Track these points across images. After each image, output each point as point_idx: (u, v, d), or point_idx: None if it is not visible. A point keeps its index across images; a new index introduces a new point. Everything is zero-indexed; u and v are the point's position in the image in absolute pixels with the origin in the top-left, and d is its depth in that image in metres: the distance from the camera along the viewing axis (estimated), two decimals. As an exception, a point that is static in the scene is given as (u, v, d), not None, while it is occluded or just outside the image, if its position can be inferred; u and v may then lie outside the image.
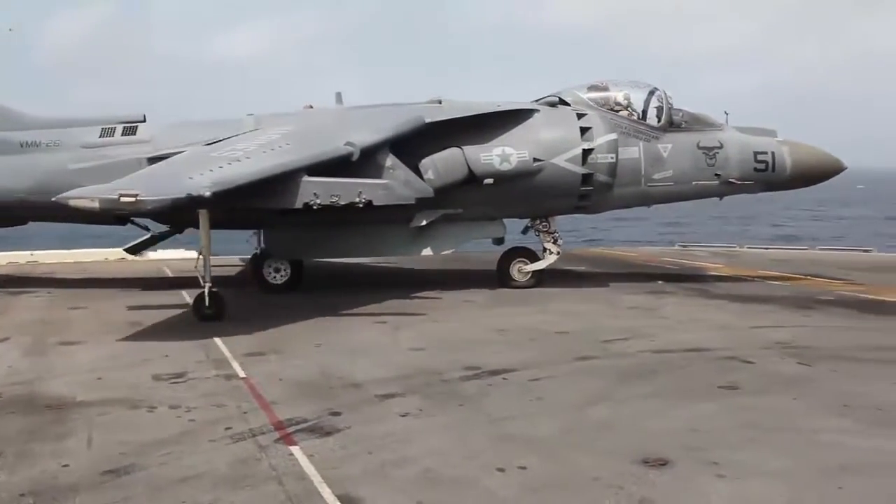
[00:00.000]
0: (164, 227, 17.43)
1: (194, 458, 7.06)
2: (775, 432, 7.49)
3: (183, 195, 11.60)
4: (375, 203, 13.92)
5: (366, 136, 14.77)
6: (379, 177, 14.47)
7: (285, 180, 13.34)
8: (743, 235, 26.42)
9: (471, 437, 7.52)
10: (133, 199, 11.08)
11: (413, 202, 14.91)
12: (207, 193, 11.69)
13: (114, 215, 14.63)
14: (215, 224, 14.19)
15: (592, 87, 17.27)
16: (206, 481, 6.56)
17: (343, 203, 13.63)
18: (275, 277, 16.87)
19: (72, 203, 11.46)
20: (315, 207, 13.49)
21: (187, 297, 16.49)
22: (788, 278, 18.34)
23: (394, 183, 14.51)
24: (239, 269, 20.29)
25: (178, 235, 17.70)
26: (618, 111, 16.92)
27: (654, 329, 12.65)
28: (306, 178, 13.50)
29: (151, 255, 25.63)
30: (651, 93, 17.12)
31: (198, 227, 15.97)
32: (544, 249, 17.23)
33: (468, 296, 15.83)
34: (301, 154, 13.96)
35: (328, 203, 13.56)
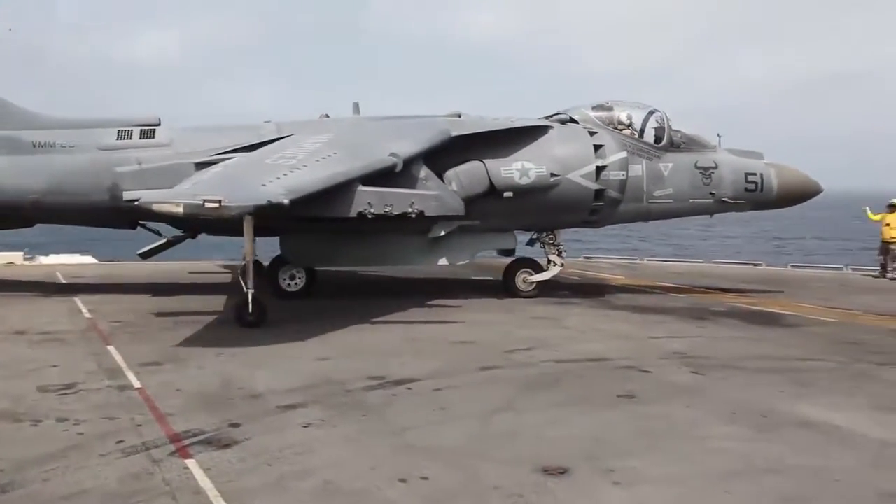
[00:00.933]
0: (176, 232, 17.23)
1: (81, 473, 6.73)
2: (669, 439, 7.74)
3: (264, 202, 11.60)
4: (427, 214, 14.41)
5: (406, 146, 15.07)
6: (414, 188, 14.77)
7: (345, 189, 13.54)
8: (642, 250, 27.35)
9: (373, 448, 7.46)
10: (217, 205, 11.06)
11: (462, 213, 15.39)
12: (285, 201, 11.74)
13: (171, 219, 14.47)
14: (230, 231, 14.66)
15: (598, 107, 17.93)
16: (93, 498, 6.27)
17: (396, 213, 13.94)
18: (290, 285, 16.92)
19: (155, 208, 11.45)
20: (369, 217, 13.72)
21: (80, 303, 15.85)
22: (685, 290, 19.07)
23: (444, 194, 15.13)
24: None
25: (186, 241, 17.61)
26: (621, 130, 17.52)
27: (557, 339, 12.90)
28: (361, 188, 13.72)
29: (43, 259, 24.60)
30: (651, 113, 17.78)
31: (212, 234, 17.14)
32: (549, 261, 17.84)
33: (382, 305, 15.72)
34: (355, 164, 14.10)
35: (381, 213, 13.80)
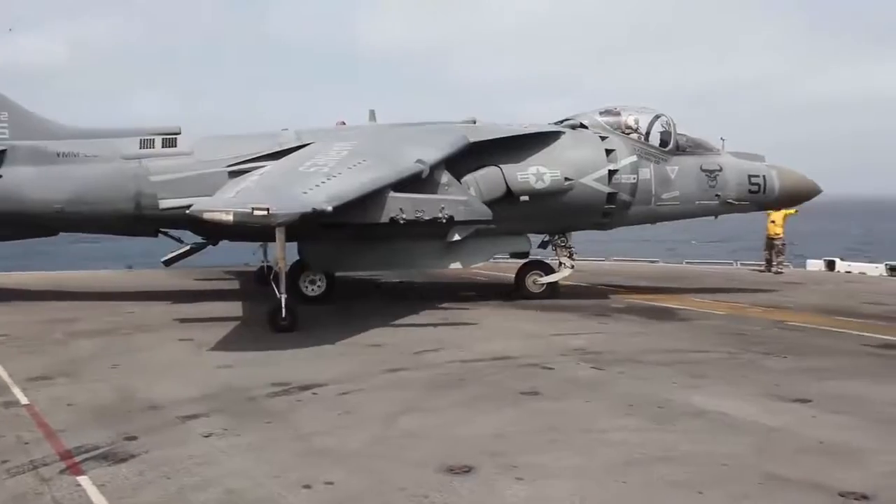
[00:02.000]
0: (198, 239, 17.31)
1: (-38, 496, 6.37)
2: (570, 433, 7.94)
3: (309, 209, 11.94)
4: (457, 219, 14.63)
5: (431, 153, 15.27)
6: (437, 193, 14.99)
7: (377, 196, 13.80)
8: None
9: (277, 455, 7.35)
10: (265, 213, 11.34)
11: (489, 218, 15.39)
12: (329, 208, 12.09)
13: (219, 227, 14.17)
14: (253, 238, 15.45)
15: (606, 112, 18.24)
16: (-24, 521, 5.94)
17: (427, 218, 14.22)
18: (311, 290, 17.08)
19: (206, 216, 11.73)
20: (401, 222, 14.01)
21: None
22: (588, 287, 19.61)
23: (472, 199, 15.32)
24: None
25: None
26: (628, 134, 17.85)
27: (465, 339, 13.06)
28: (394, 194, 14.00)
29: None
30: (657, 118, 18.18)
31: (233, 240, 17.30)
32: (560, 263, 18.14)
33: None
34: (386, 171, 14.33)
35: (413, 218, 14.10)
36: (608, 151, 17.32)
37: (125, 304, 17.26)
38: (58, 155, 16.66)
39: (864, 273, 24.67)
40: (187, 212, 12.49)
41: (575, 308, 16.54)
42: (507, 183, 16.57)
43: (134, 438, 7.75)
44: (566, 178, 16.85)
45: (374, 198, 13.80)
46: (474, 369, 10.88)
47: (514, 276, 18.48)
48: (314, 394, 9.52)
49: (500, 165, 16.68)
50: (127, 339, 13.02)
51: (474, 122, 17.81)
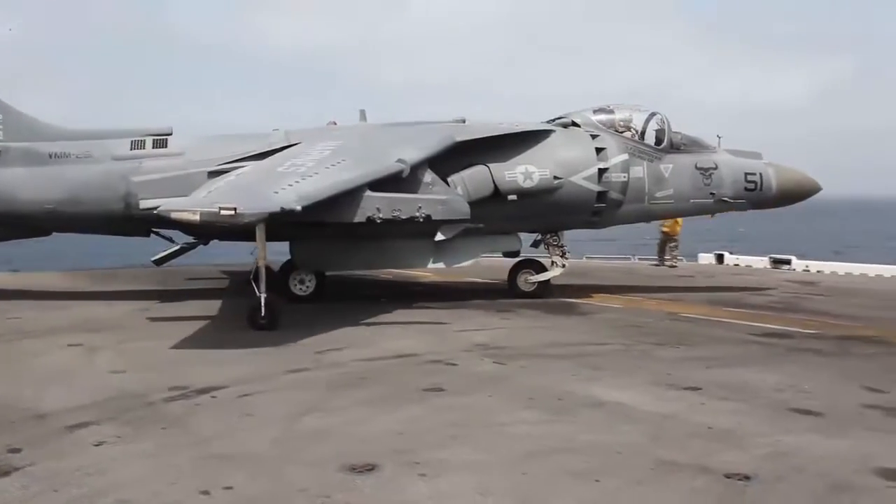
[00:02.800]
0: (189, 239, 17.26)
1: None
2: (472, 428, 8.04)
3: (277, 209, 11.89)
4: (434, 218, 14.46)
5: (413, 152, 15.08)
6: (421, 193, 14.86)
7: (353, 195, 13.70)
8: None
9: (174, 461, 7.13)
10: (232, 213, 11.31)
11: (468, 217, 15.16)
12: (298, 207, 11.99)
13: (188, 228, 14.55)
14: (242, 237, 15.13)
15: (599, 110, 17.94)
16: None
17: (404, 217, 14.09)
18: (301, 289, 17.00)
19: (174, 216, 11.74)
20: (378, 221, 13.87)
21: None
22: (492, 283, 19.86)
23: (451, 198, 15.07)
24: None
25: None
26: (622, 132, 17.61)
27: (369, 338, 13.00)
28: (370, 193, 13.87)
29: None
30: (651, 116, 17.91)
31: (223, 240, 17.10)
32: (552, 262, 17.87)
33: (186, 310, 15.06)
34: (363, 169, 14.23)
35: (390, 217, 13.98)
36: (598, 150, 17.14)
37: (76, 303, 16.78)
38: (50, 156, 16.75)
39: (750, 266, 25.99)
40: (155, 212, 12.44)
41: (478, 304, 16.74)
42: (494, 182, 16.43)
43: (18, 451, 7.34)
44: (555, 177, 16.69)
45: (349, 197, 13.75)
46: (378, 368, 10.86)
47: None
48: (213, 397, 9.28)
49: (488, 164, 16.56)
50: (9, 346, 12.32)
51: (463, 122, 17.68)
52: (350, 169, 14.26)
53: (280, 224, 13.06)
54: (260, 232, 13.05)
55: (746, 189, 17.96)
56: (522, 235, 18.20)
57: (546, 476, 6.66)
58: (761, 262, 26.05)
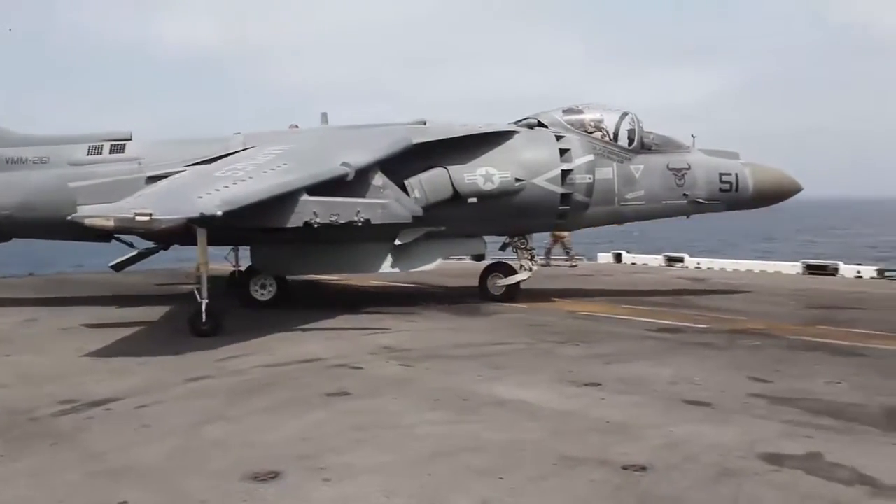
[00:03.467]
0: (149, 244, 17.26)
1: None
2: (378, 431, 8.02)
3: (196, 214, 11.68)
4: (373, 222, 13.99)
5: (360, 156, 14.79)
6: (371, 196, 14.57)
7: (287, 199, 13.35)
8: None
9: (64, 479, 6.80)
10: (147, 219, 11.10)
11: (410, 220, 14.86)
12: (219, 213, 11.78)
13: (108, 233, 14.29)
14: (191, 241, 14.33)
15: (568, 111, 17.58)
16: None
17: (342, 222, 13.67)
18: (261, 294, 16.91)
19: (87, 222, 11.54)
20: (315, 226, 13.50)
21: None
22: (397, 285, 19.88)
23: (391, 202, 14.56)
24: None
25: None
26: (592, 133, 17.26)
27: (272, 342, 12.79)
28: (306, 198, 13.51)
29: None
30: (623, 116, 17.59)
31: (184, 245, 16.22)
32: (520, 266, 17.46)
33: (72, 319, 14.39)
34: (301, 173, 13.92)
35: (327, 221, 13.58)
36: (563, 151, 16.88)
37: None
38: (7, 161, 16.78)
39: (646, 264, 26.98)
40: (68, 218, 12.17)
41: (384, 307, 16.71)
42: (453, 184, 16.20)
43: None
44: (517, 179, 16.45)
45: (285, 201, 13.46)
46: (282, 373, 10.69)
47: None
48: (107, 409, 8.92)
49: (447, 167, 16.31)
50: None
51: (424, 123, 17.33)
52: (289, 173, 14.03)
53: (225, 229, 13.07)
54: (201, 237, 12.91)
55: (721, 190, 17.67)
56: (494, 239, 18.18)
57: (451, 475, 6.71)
58: (656, 260, 27.08)
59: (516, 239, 17.76)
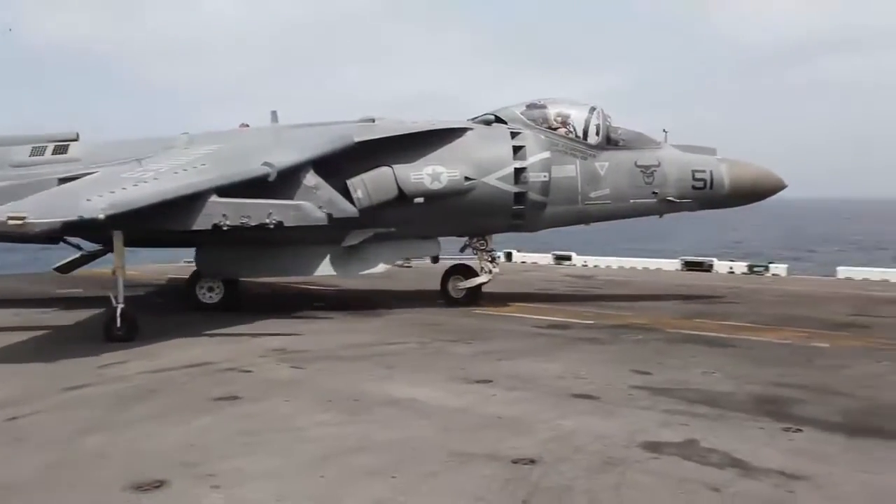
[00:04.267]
0: (97, 246, 16.91)
1: None
2: (269, 435, 7.90)
3: (74, 217, 11.40)
4: (286, 224, 13.30)
5: (287, 156, 14.48)
6: (301, 197, 14.09)
7: (192, 201, 12.91)
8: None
9: (-74, 498, 6.37)
10: (20, 222, 10.84)
11: (325, 223, 13.89)
12: (101, 216, 11.47)
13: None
14: (147, 243, 15.18)
15: (531, 106, 16.84)
16: None
17: (253, 224, 13.10)
18: (208, 297, 16.54)
19: None
20: (224, 228, 13.02)
21: None
22: (287, 287, 19.58)
23: (306, 204, 13.76)
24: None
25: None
26: (556, 129, 16.52)
27: (157, 348, 12.36)
28: (215, 199, 13.06)
29: None
30: (589, 111, 16.86)
31: (135, 246, 16.11)
32: (481, 268, 16.73)
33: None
34: (211, 174, 13.57)
35: (238, 224, 13.07)
36: (516, 149, 16.21)
37: None
38: None
39: (536, 262, 27.68)
40: None
41: (270, 308, 16.45)
42: (398, 184, 15.62)
43: None
44: (466, 178, 15.86)
45: (190, 203, 12.95)
46: (168, 379, 10.35)
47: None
48: (-25, 423, 8.39)
49: (393, 165, 15.70)
50: None
51: (372, 121, 16.68)
52: (201, 174, 13.65)
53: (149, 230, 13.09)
54: (117, 240, 12.71)
55: (694, 188, 16.97)
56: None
57: (344, 477, 6.69)
58: (545, 258, 27.81)
59: (475, 240, 17.18)
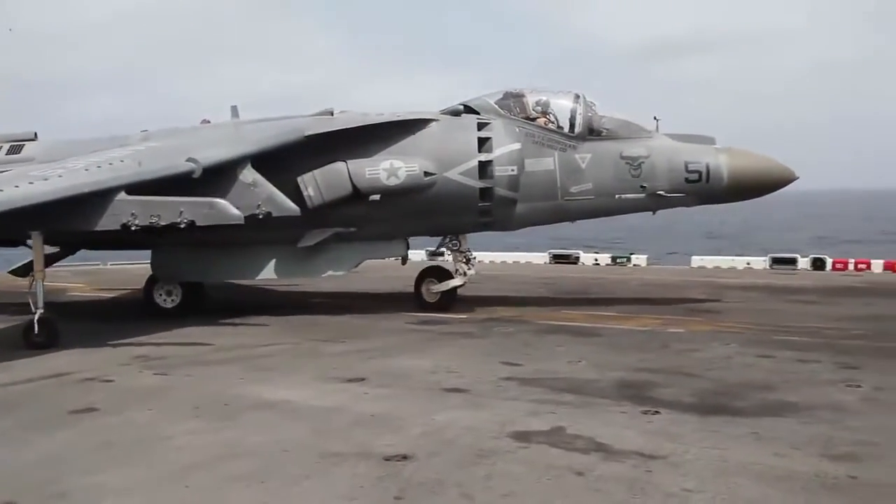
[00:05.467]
0: (53, 249, 16.10)
1: None
2: (131, 446, 7.55)
3: None
4: (199, 223, 12.68)
5: (220, 151, 13.77)
6: (237, 194, 13.45)
7: (98, 200, 12.31)
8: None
9: None
10: None
11: (242, 222, 13.05)
12: None
13: None
14: (99, 245, 15.96)
15: (507, 95, 15.62)
16: None
17: (164, 223, 12.56)
18: (166, 301, 16.01)
19: None
20: (133, 228, 12.47)
21: None
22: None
23: (220, 202, 12.92)
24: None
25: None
26: (534, 119, 15.29)
27: (15, 360, 11.57)
28: (123, 197, 12.45)
29: None
30: (571, 99, 15.60)
31: (93, 248, 16.89)
32: (456, 270, 15.59)
33: None
34: (123, 171, 12.90)
35: (147, 224, 12.52)
36: (482, 140, 15.08)
37: None
38: None
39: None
40: None
41: (130, 316, 15.80)
42: (352, 180, 14.66)
43: None
44: (426, 173, 14.76)
45: (93, 202, 12.25)
46: (22, 391, 9.74)
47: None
48: None
49: (347, 160, 14.71)
50: None
51: (331, 113, 15.61)
52: (112, 171, 12.92)
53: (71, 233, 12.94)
54: (36, 241, 12.44)
55: (688, 181, 15.47)
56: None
57: (212, 485, 6.49)
58: (419, 254, 27.99)
59: (448, 240, 16.17)
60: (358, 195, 14.84)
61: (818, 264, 24.53)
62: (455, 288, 16.10)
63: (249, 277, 16.34)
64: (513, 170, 15.12)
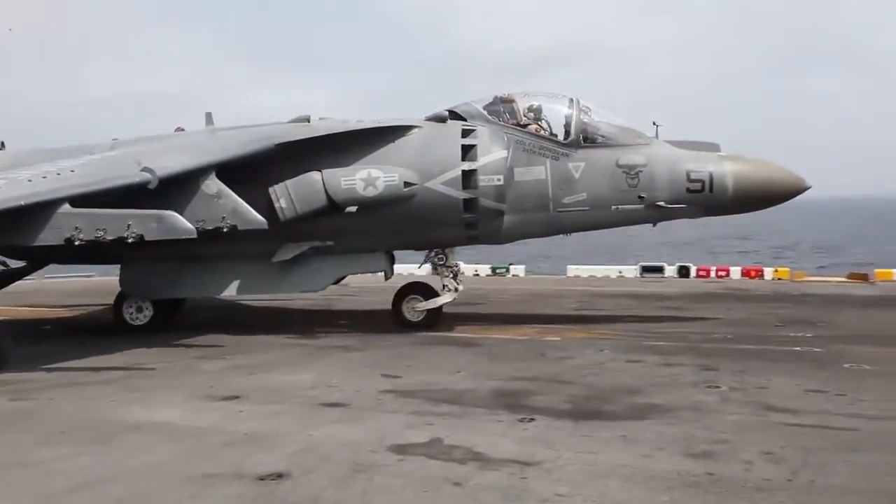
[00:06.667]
0: (21, 263, 15.65)
1: None
2: (-3, 473, 7.09)
3: None
4: (147, 238, 11.70)
5: (180, 160, 12.94)
6: (199, 206, 12.71)
7: (37, 212, 11.44)
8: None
9: None
10: None
11: (195, 236, 11.96)
12: None
13: None
14: (66, 259, 14.98)
15: (497, 100, 14.47)
16: None
17: (110, 238, 11.66)
18: (136, 318, 15.34)
19: None
20: (77, 243, 11.60)
21: None
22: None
23: (170, 214, 11.79)
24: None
25: None
26: (525, 125, 14.17)
27: None
28: (66, 210, 11.59)
29: None
30: (565, 104, 14.52)
31: (63, 263, 16.19)
32: (443, 286, 14.95)
33: None
34: (67, 182, 12.03)
35: (93, 238, 11.62)
36: (466, 148, 14.11)
37: None
38: None
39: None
40: None
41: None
42: (326, 191, 13.68)
43: None
44: (406, 183, 13.83)
45: (33, 215, 11.35)
46: None
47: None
48: None
49: (322, 170, 13.74)
50: None
51: (307, 121, 14.60)
52: (57, 182, 12.06)
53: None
54: None
55: (690, 191, 14.53)
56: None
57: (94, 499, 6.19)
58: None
59: (433, 254, 15.28)
60: (333, 207, 13.97)
61: (683, 272, 25.98)
62: (441, 306, 15.16)
63: (221, 293, 15.31)
64: (499, 179, 14.21)
